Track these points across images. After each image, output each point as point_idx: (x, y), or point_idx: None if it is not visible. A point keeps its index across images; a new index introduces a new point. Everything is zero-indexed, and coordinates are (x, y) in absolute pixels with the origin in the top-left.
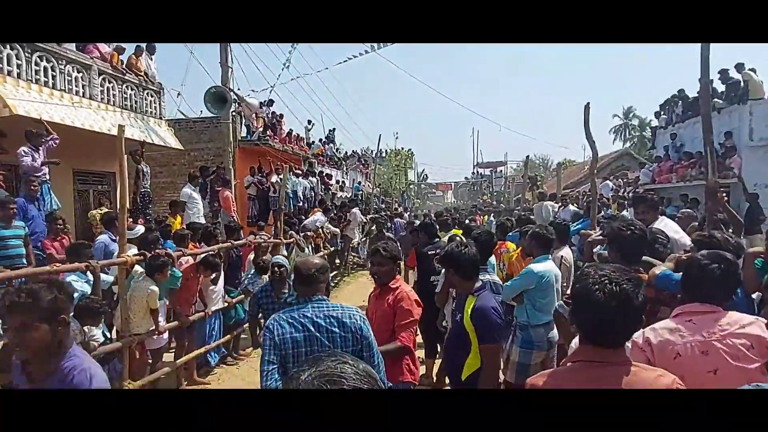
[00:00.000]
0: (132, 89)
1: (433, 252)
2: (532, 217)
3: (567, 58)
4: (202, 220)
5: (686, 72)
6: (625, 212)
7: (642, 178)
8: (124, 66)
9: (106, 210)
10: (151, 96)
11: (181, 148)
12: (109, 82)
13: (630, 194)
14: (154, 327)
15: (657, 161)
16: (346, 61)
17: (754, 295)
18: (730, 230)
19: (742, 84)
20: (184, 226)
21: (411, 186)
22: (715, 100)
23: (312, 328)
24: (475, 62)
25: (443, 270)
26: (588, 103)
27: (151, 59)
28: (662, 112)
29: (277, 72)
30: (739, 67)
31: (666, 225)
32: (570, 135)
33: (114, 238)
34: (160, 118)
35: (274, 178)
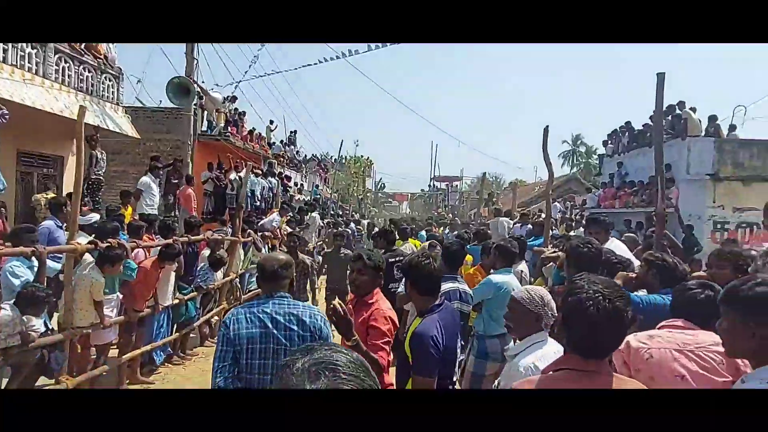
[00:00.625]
0: (89, 71)
1: (393, 259)
2: (489, 231)
3: (525, 83)
4: (156, 212)
5: (633, 104)
6: (572, 233)
7: (588, 202)
8: (82, 47)
9: (53, 195)
10: (110, 80)
11: (138, 137)
12: (66, 62)
13: (577, 216)
14: (99, 321)
15: (603, 187)
16: (314, 64)
17: None
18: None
19: (682, 121)
20: (137, 217)
21: (368, 194)
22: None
23: (270, 325)
24: (440, 79)
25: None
26: (547, 126)
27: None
28: (609, 141)
29: (243, 68)
30: (681, 105)
31: (616, 246)
32: (523, 156)
33: (60, 224)
34: (118, 104)
35: (232, 176)
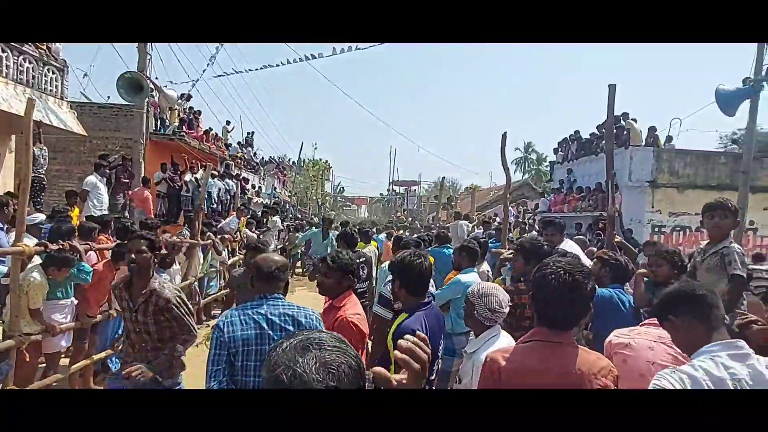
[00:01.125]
0: (30, 63)
1: (358, 260)
2: (449, 234)
3: (481, 90)
4: (106, 214)
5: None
6: (525, 235)
7: (541, 206)
8: None
9: None
10: (53, 73)
11: (84, 134)
12: (3, 51)
13: (530, 220)
14: (45, 325)
15: (553, 192)
16: (275, 65)
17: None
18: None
19: (625, 131)
20: (84, 218)
21: (327, 197)
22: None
23: (265, 326)
24: (399, 84)
25: (367, 278)
26: (505, 132)
27: None
28: (560, 149)
29: (197, 65)
30: (624, 116)
31: (570, 246)
32: (478, 162)
33: (1, 225)
34: (62, 99)
35: (188, 177)
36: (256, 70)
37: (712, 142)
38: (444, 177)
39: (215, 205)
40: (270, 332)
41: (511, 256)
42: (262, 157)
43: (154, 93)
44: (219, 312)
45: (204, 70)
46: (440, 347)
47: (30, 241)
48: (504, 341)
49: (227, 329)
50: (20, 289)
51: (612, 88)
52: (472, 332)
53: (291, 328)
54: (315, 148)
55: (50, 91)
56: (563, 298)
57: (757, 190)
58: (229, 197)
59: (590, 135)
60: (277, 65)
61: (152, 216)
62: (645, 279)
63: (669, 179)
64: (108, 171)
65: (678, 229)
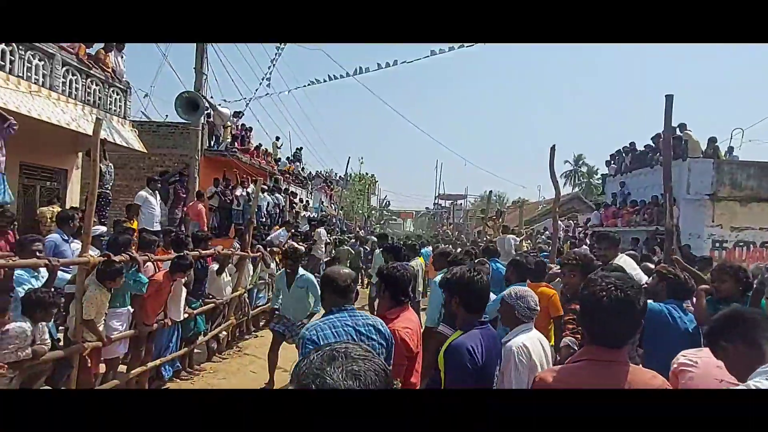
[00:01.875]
0: (97, 85)
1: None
2: (497, 248)
3: (529, 102)
4: (158, 227)
5: (634, 126)
6: (575, 250)
7: (593, 220)
8: (90, 59)
9: (59, 208)
10: (117, 94)
11: (145, 150)
12: (73, 75)
13: (580, 234)
14: (99, 336)
15: (605, 206)
16: (323, 81)
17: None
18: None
19: (683, 142)
20: (140, 231)
21: (373, 211)
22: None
23: (356, 336)
24: (445, 96)
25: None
26: (554, 146)
27: (121, 56)
28: (612, 162)
29: (249, 82)
30: (682, 127)
31: (625, 261)
32: (526, 175)
33: (66, 237)
34: (124, 118)
35: (238, 191)
36: (304, 87)
37: None
38: (491, 191)
39: (264, 219)
40: (362, 342)
41: (559, 270)
42: (310, 172)
43: (209, 111)
44: (264, 323)
45: (256, 90)
46: (497, 369)
47: (93, 252)
48: (534, 335)
49: (323, 342)
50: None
51: (669, 98)
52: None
53: (375, 337)
54: (362, 163)
55: (114, 111)
56: (615, 314)
57: None
58: (277, 211)
59: (645, 147)
60: (324, 80)
61: (205, 229)
62: (708, 296)
63: (731, 192)
64: (161, 185)
65: (741, 244)
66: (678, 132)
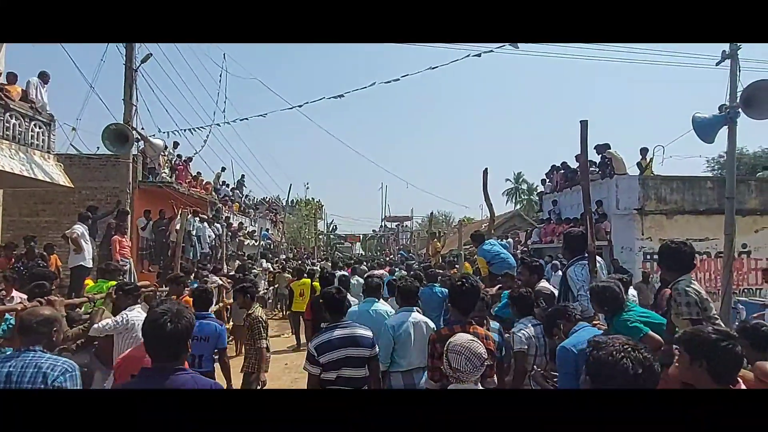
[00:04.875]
0: (17, 119)
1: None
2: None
3: (467, 123)
4: (90, 263)
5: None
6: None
7: (533, 237)
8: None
9: None
10: (39, 128)
11: (71, 185)
12: None
13: (519, 253)
14: None
15: (543, 223)
16: (263, 115)
17: None
18: None
19: (607, 161)
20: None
21: (320, 236)
22: (592, 169)
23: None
24: (386, 120)
25: None
26: (486, 169)
27: (44, 88)
28: (548, 180)
29: (185, 113)
30: (605, 146)
31: (544, 285)
32: (469, 195)
33: None
34: (48, 152)
35: (178, 225)
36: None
37: (699, 166)
38: (433, 212)
39: (205, 249)
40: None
41: (497, 292)
42: (255, 198)
43: (141, 143)
44: None
45: (210, 127)
46: None
47: None
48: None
49: None
50: None
51: (584, 123)
52: None
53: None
54: (307, 188)
55: (37, 145)
56: (637, 377)
57: (746, 213)
58: (219, 242)
59: (577, 167)
60: (264, 115)
61: (128, 259)
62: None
63: (657, 206)
64: (90, 222)
65: None
66: (604, 150)
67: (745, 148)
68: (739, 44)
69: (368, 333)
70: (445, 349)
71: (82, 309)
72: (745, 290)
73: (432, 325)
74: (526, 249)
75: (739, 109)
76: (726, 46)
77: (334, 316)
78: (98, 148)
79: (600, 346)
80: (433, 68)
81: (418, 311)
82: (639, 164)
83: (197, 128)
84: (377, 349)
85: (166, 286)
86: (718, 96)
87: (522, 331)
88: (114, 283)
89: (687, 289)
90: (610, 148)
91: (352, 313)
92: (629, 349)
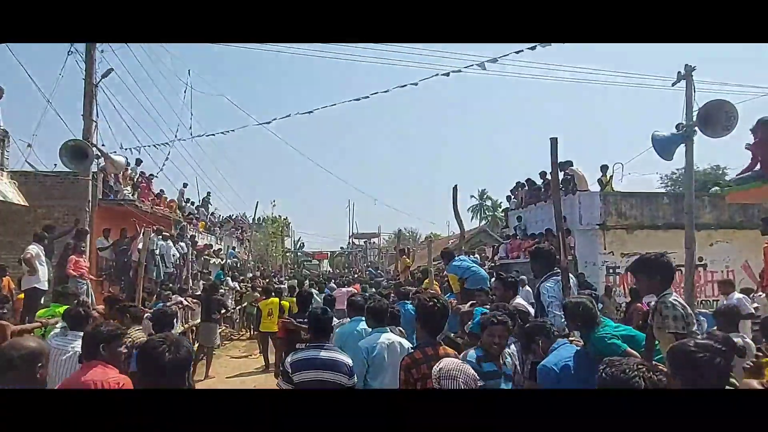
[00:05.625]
0: None
1: None
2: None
3: (433, 141)
4: (45, 286)
5: (530, 161)
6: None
7: (500, 253)
8: None
9: None
10: None
11: (25, 204)
12: None
13: (488, 269)
14: None
15: (509, 239)
16: (227, 132)
17: None
18: None
19: (569, 178)
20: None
21: (288, 254)
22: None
23: None
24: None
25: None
26: (456, 186)
27: None
28: (513, 196)
29: (148, 129)
30: (568, 163)
31: (519, 302)
32: (435, 211)
33: None
34: (1, 169)
35: (140, 245)
36: (212, 135)
37: (654, 183)
38: (399, 229)
39: (170, 269)
40: None
41: (469, 309)
42: (221, 216)
43: (101, 159)
44: None
45: (171, 144)
46: None
47: None
48: None
49: None
50: None
51: (554, 141)
52: None
53: None
54: (274, 206)
55: None
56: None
57: (701, 228)
58: (183, 261)
59: (542, 181)
60: (227, 132)
61: (87, 279)
62: None
63: (618, 221)
64: (46, 241)
65: None
66: (566, 168)
67: (697, 165)
68: (693, 65)
69: (348, 360)
70: (435, 376)
71: (34, 334)
72: (703, 302)
73: (407, 345)
74: (494, 264)
75: (696, 128)
76: (681, 67)
77: (317, 335)
78: (56, 165)
79: (614, 364)
80: (402, 87)
81: (400, 330)
82: (600, 180)
83: (161, 144)
84: (356, 380)
85: (110, 311)
86: (673, 116)
87: None
88: (66, 307)
89: (674, 302)
90: (572, 165)
91: (340, 333)
92: (644, 370)
